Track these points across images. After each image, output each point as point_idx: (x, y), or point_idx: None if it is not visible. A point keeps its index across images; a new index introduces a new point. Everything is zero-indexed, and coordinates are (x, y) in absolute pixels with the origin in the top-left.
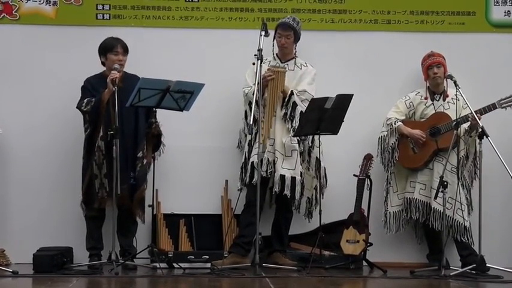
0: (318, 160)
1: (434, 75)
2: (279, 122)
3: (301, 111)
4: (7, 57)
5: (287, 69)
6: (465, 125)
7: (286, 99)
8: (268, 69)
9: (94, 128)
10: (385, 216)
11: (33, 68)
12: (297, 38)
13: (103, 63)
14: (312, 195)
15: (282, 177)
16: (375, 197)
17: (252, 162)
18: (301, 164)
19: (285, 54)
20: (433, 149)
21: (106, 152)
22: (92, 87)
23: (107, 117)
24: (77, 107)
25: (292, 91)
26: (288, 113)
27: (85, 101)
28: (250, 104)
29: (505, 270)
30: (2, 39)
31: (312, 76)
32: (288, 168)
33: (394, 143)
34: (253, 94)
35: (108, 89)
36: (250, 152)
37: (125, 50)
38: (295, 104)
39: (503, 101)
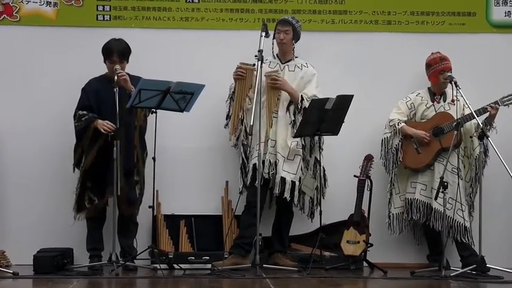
0: (317, 161)
1: (445, 80)
2: (281, 124)
3: None
4: (7, 58)
5: (256, 67)
6: (474, 122)
7: (299, 105)
8: (238, 68)
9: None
10: (388, 217)
11: (33, 69)
12: (296, 36)
13: None
14: (314, 195)
15: (283, 179)
16: (375, 198)
17: (254, 164)
18: (301, 170)
19: (285, 54)
20: (437, 148)
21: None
22: (93, 90)
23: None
24: (73, 116)
25: (302, 96)
26: (300, 119)
27: (78, 114)
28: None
29: (505, 271)
30: (2, 40)
31: (316, 79)
32: (289, 171)
33: (398, 144)
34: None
35: (99, 125)
36: (245, 152)
37: (123, 57)
38: (306, 109)
39: (505, 99)
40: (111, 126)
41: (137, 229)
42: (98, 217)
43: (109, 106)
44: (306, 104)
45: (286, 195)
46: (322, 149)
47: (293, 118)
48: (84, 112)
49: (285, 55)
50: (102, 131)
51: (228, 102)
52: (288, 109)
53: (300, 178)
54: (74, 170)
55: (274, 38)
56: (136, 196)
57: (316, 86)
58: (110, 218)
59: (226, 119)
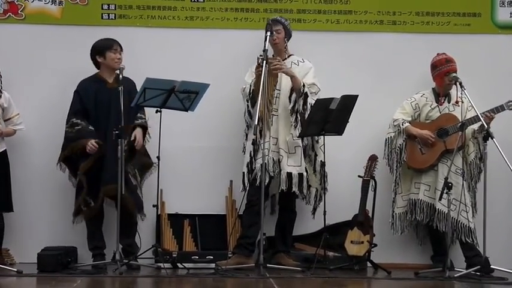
0: (316, 155)
1: (450, 82)
2: (281, 120)
3: (311, 104)
4: (12, 56)
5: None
6: (474, 126)
7: (302, 91)
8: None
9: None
10: (392, 217)
11: (38, 68)
12: (287, 34)
13: (97, 64)
14: (318, 189)
15: (289, 174)
16: (380, 198)
17: (260, 164)
18: (304, 160)
19: (279, 53)
20: (442, 150)
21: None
22: (88, 92)
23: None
24: (66, 120)
25: (303, 83)
26: (301, 105)
27: (71, 121)
28: (247, 101)
29: (510, 272)
30: (7, 38)
31: (313, 71)
32: (294, 165)
33: (402, 143)
34: (249, 91)
35: (87, 145)
36: (255, 150)
37: (121, 48)
38: (306, 95)
39: (510, 103)
40: (95, 146)
41: (137, 228)
42: (96, 217)
43: (105, 107)
44: (307, 90)
45: (295, 189)
46: (323, 144)
47: (292, 105)
48: (78, 120)
49: (280, 54)
50: (87, 150)
51: (246, 104)
52: (289, 98)
53: (306, 168)
54: (57, 164)
55: (267, 40)
56: (141, 199)
57: (313, 76)
58: (109, 216)
59: (256, 122)
